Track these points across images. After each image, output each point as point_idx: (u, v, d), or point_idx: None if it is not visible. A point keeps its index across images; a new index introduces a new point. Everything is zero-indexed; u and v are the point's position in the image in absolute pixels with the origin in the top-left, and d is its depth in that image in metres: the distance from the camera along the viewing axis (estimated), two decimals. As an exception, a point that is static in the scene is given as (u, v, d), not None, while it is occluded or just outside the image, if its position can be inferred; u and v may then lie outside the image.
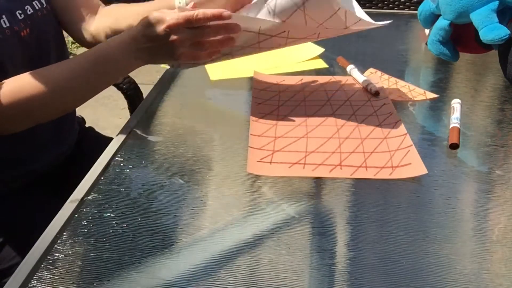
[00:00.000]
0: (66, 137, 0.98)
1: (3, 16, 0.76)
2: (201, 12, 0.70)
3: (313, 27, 0.77)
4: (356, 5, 0.82)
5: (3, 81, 0.72)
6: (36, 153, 0.90)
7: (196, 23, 0.71)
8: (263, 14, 0.76)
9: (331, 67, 1.02)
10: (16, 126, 0.76)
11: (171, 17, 0.70)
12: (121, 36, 0.75)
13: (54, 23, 0.88)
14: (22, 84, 0.72)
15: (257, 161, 0.69)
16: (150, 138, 0.78)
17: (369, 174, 0.66)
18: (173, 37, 0.71)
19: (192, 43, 0.73)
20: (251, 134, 0.75)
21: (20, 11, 0.79)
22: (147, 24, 0.72)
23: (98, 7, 0.96)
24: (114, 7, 0.96)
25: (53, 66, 0.76)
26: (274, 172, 0.67)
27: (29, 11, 0.81)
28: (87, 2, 0.94)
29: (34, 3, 0.83)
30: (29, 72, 0.73)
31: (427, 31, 1.12)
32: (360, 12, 0.80)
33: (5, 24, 0.76)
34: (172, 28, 0.71)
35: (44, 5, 0.85)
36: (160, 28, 0.71)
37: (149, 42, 0.72)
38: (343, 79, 0.94)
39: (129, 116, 0.86)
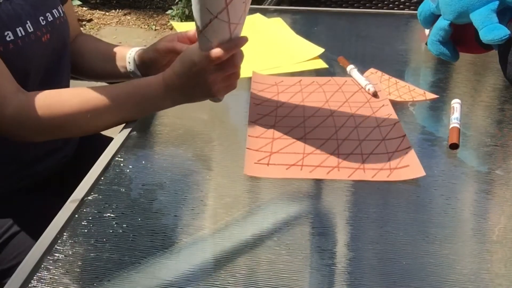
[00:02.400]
0: (71, 140, 0.99)
1: (28, 22, 0.80)
2: (219, 50, 0.70)
3: None
4: None
5: (39, 92, 0.76)
6: (43, 155, 0.91)
7: (218, 61, 0.70)
8: None
9: (331, 67, 1.02)
10: (43, 138, 0.80)
11: (199, 59, 0.71)
12: (156, 80, 0.76)
13: (68, 31, 0.93)
14: (61, 101, 0.76)
15: (255, 163, 0.69)
16: (150, 138, 0.78)
17: (367, 176, 0.66)
18: (207, 77, 0.72)
19: (223, 78, 0.74)
20: (249, 136, 0.75)
21: (42, 17, 0.84)
22: (180, 70, 0.73)
23: (76, 33, 1.01)
24: (86, 38, 1.02)
25: (93, 90, 0.77)
26: (272, 174, 0.67)
27: (50, 18, 0.85)
28: (71, 24, 0.97)
29: (53, 11, 0.87)
30: (69, 89, 0.78)
31: (427, 31, 1.12)
32: None
33: (30, 29, 0.80)
34: (205, 69, 0.72)
35: (61, 14, 0.89)
36: (193, 71, 0.72)
37: (183, 86, 0.74)
38: (342, 80, 0.94)
39: (129, 116, 0.86)
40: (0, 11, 0.77)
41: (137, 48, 0.93)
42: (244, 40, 0.72)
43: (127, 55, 0.93)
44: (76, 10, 4.01)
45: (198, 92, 0.75)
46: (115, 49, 0.96)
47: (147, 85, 0.76)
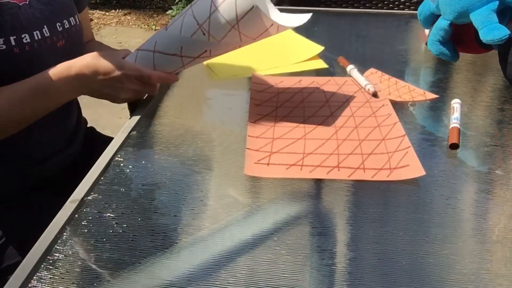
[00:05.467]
0: (76, 138, 1.00)
1: (45, 26, 0.83)
2: (154, 74, 0.80)
3: (242, 42, 0.80)
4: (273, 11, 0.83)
5: None
6: (50, 154, 0.92)
7: (145, 80, 0.80)
8: (198, 36, 0.78)
9: (331, 67, 1.02)
10: None
11: (129, 67, 0.78)
12: (67, 69, 0.79)
13: (82, 39, 0.96)
14: None
15: (255, 163, 0.69)
16: (150, 138, 0.78)
17: (367, 175, 0.66)
18: (124, 84, 0.79)
19: (136, 91, 0.82)
20: (249, 136, 0.75)
21: (59, 24, 0.87)
22: (105, 66, 0.78)
23: (89, 39, 1.05)
24: (94, 44, 1.06)
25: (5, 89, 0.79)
26: (272, 173, 0.67)
27: (66, 25, 0.88)
28: (86, 31, 1.01)
29: (71, 19, 0.90)
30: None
31: (427, 31, 1.12)
32: (280, 17, 0.82)
33: (46, 33, 0.83)
34: (128, 77, 0.78)
35: (78, 23, 0.92)
36: (117, 73, 0.78)
37: (100, 82, 0.79)
38: (342, 80, 0.94)
39: (129, 116, 0.86)
40: (20, 14, 0.80)
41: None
42: (175, 79, 0.85)
43: None
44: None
45: (106, 92, 0.80)
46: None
47: (57, 82, 0.79)
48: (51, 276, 0.51)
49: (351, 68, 0.97)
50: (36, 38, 0.81)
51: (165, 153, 0.73)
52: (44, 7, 0.84)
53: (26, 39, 0.79)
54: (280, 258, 0.53)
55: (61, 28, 0.86)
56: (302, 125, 0.78)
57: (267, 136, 0.75)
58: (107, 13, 4.12)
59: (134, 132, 0.78)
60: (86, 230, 0.58)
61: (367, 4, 1.65)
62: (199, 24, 0.76)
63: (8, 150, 0.86)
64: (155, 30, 3.78)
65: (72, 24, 0.90)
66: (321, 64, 1.04)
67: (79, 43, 0.94)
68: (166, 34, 0.80)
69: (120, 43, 3.54)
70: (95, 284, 0.50)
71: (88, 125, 1.14)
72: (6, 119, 0.78)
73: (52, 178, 0.96)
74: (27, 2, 0.82)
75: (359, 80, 0.92)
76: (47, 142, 0.88)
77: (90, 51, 1.01)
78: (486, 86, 0.95)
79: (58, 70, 0.78)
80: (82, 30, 0.95)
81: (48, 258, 0.54)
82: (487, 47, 0.98)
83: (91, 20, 3.95)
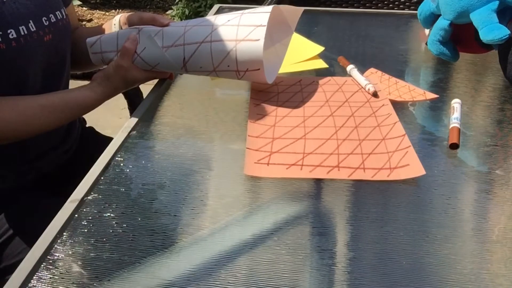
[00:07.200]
0: (70, 136, 1.00)
1: (31, 21, 0.82)
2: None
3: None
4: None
5: None
6: (44, 151, 0.92)
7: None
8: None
9: (331, 67, 1.02)
10: None
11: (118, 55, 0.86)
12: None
13: (70, 33, 0.95)
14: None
15: (255, 163, 0.69)
16: (150, 138, 0.78)
17: (367, 175, 0.66)
18: (121, 62, 0.84)
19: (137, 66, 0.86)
20: (249, 136, 0.75)
21: (45, 18, 0.86)
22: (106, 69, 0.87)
23: (75, 27, 1.05)
24: (81, 30, 1.06)
25: (31, 98, 0.83)
26: (272, 173, 0.67)
27: (53, 19, 0.87)
28: (72, 22, 1.01)
29: (57, 13, 0.89)
30: (9, 97, 0.81)
31: (427, 31, 1.12)
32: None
33: (32, 28, 0.82)
34: (120, 56, 0.85)
35: (64, 17, 0.91)
36: (112, 64, 0.85)
37: (107, 76, 0.86)
38: (342, 80, 0.94)
39: (129, 116, 0.86)
40: (4, 9, 0.79)
41: (123, 14, 0.97)
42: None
43: (113, 20, 0.97)
44: (76, 10, 4.01)
45: (117, 79, 0.86)
46: (104, 25, 1.00)
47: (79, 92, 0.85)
48: (51, 276, 0.51)
49: (351, 68, 0.97)
50: (23, 33, 0.80)
51: (165, 153, 0.73)
52: (29, 2, 0.83)
53: (12, 35, 0.79)
54: (280, 258, 0.53)
55: (47, 22, 0.86)
56: (302, 125, 0.78)
57: (267, 136, 0.75)
58: (107, 13, 4.12)
59: (134, 132, 0.78)
60: (86, 230, 0.58)
61: (367, 4, 1.65)
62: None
63: (2, 148, 0.86)
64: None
65: (59, 18, 0.89)
66: (321, 64, 1.04)
67: (66, 37, 0.93)
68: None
69: (120, 43, 3.54)
70: (95, 284, 0.50)
71: (88, 125, 1.14)
72: (36, 124, 0.82)
73: (50, 177, 0.96)
74: None
75: (359, 80, 0.92)
76: (40, 139, 0.87)
77: (78, 37, 1.01)
78: (486, 86, 0.95)
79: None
80: (69, 24, 0.94)
81: (48, 258, 0.54)
82: (487, 47, 0.98)
83: (91, 20, 3.95)
